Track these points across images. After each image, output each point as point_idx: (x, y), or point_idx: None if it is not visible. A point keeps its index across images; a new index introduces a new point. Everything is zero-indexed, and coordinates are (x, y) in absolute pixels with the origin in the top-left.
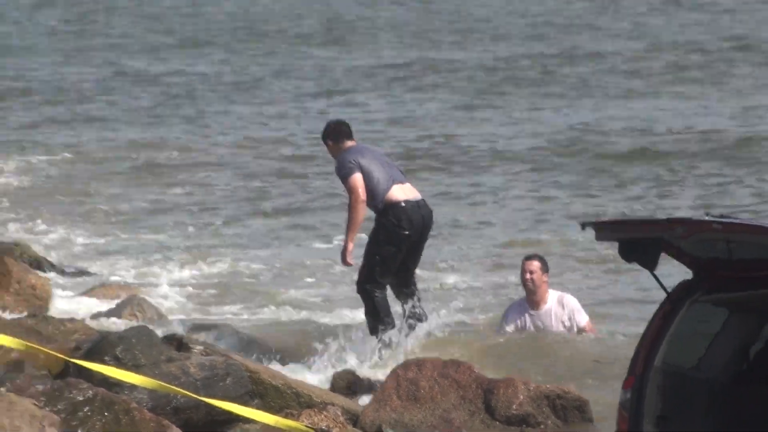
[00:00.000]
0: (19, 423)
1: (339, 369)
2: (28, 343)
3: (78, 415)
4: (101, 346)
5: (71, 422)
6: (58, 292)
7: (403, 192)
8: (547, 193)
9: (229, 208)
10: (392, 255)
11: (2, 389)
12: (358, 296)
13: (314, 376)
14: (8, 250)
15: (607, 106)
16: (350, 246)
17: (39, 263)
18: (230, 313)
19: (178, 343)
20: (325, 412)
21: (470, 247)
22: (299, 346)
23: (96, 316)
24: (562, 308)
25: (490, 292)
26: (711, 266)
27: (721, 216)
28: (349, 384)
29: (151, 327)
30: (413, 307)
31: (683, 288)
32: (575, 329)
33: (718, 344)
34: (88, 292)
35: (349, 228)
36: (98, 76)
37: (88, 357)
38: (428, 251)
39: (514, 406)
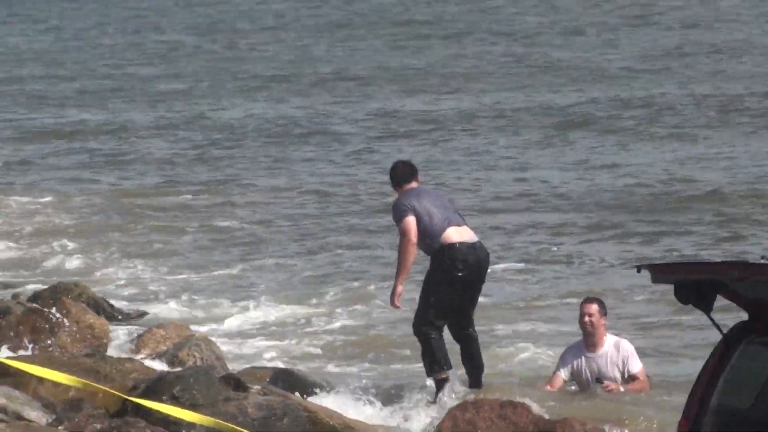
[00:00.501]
0: None
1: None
2: (85, 381)
3: None
4: (159, 386)
5: None
6: (116, 332)
7: (459, 234)
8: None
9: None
10: (447, 296)
11: (60, 427)
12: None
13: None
14: (67, 290)
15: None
16: (399, 289)
17: (97, 303)
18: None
19: (235, 383)
20: None
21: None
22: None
23: (154, 356)
24: (617, 352)
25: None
26: (766, 308)
27: None
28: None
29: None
30: (470, 349)
31: (739, 329)
32: (627, 374)
33: None
34: (148, 332)
35: (399, 271)
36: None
37: (145, 396)
38: None
39: None
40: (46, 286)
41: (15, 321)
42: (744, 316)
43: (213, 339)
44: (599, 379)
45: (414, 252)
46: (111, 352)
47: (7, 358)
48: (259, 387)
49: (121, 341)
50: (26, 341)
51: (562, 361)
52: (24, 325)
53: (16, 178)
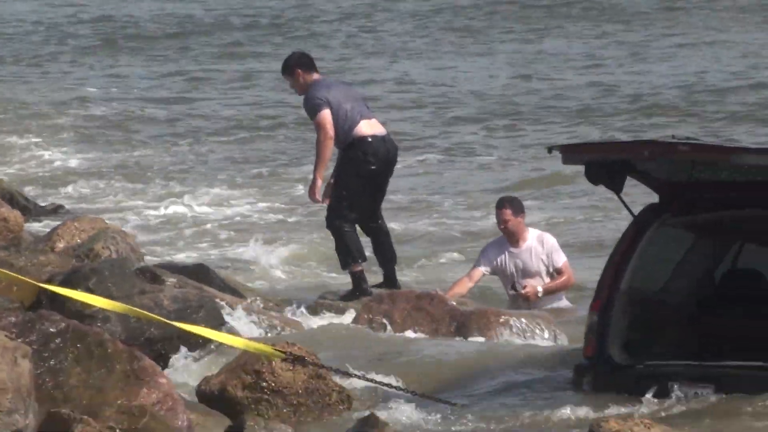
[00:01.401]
0: None
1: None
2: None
3: (50, 346)
4: (74, 278)
5: (43, 353)
6: (31, 225)
7: (370, 127)
8: None
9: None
10: (359, 189)
11: None
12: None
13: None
14: None
15: None
16: (318, 182)
17: (12, 196)
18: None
19: (151, 276)
20: (298, 345)
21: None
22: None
23: (69, 248)
24: (541, 246)
25: None
26: (676, 189)
27: (687, 138)
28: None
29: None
30: (380, 241)
31: (649, 211)
32: (552, 268)
33: (683, 268)
34: (62, 226)
35: (318, 164)
36: None
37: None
38: None
39: (485, 338)
40: None
41: None
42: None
43: (128, 231)
44: (514, 286)
45: (331, 145)
46: (25, 246)
47: None
48: (174, 280)
49: (36, 234)
50: None
51: (484, 255)
52: None
53: None
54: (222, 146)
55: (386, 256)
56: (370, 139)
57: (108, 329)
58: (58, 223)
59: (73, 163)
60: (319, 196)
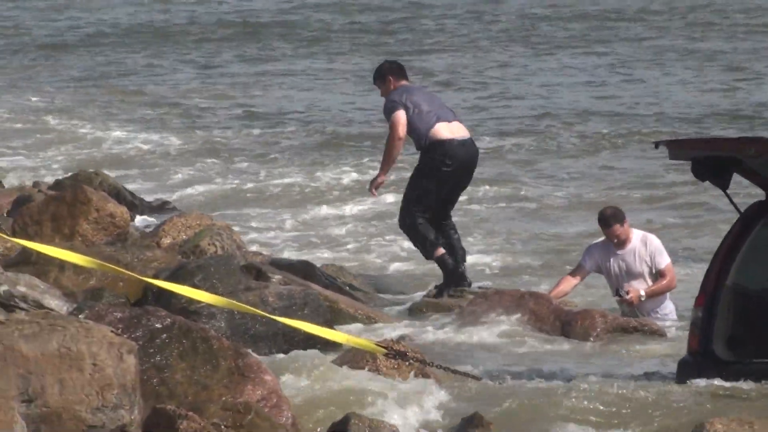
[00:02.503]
0: (96, 349)
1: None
2: (106, 264)
3: (156, 342)
4: (180, 275)
5: (149, 349)
6: (137, 221)
7: (449, 130)
8: None
9: None
10: (432, 190)
11: (80, 316)
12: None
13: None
14: (88, 178)
15: None
16: (381, 179)
17: (118, 192)
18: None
19: (256, 272)
20: (403, 342)
21: None
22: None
23: (175, 245)
24: (645, 247)
25: None
26: None
27: None
28: (429, 314)
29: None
30: (449, 240)
31: (756, 208)
32: (654, 269)
33: None
34: (168, 221)
35: (384, 162)
36: None
37: None
38: None
39: (591, 338)
40: (66, 175)
41: (36, 209)
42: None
43: (235, 228)
44: (618, 292)
45: (400, 146)
46: (131, 241)
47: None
48: (279, 276)
49: (142, 230)
50: (47, 230)
51: (589, 254)
52: (45, 213)
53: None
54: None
55: (457, 254)
56: (447, 142)
57: (213, 325)
58: (164, 218)
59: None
60: (376, 192)
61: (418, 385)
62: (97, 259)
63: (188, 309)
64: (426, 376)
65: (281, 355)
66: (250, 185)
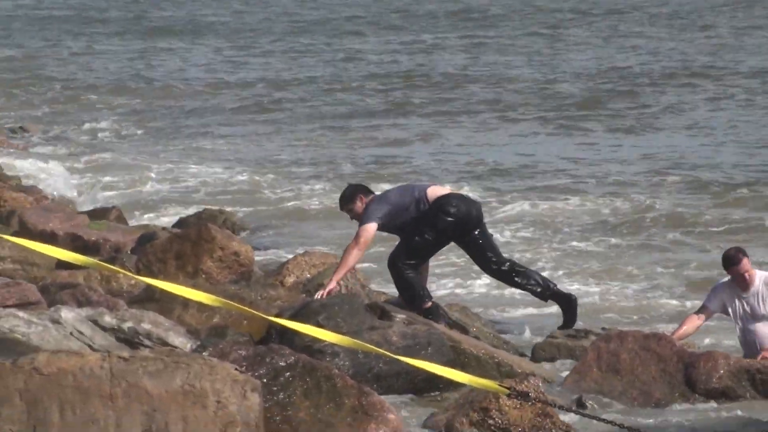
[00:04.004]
0: (220, 387)
1: (541, 340)
2: (230, 302)
3: (280, 380)
4: (304, 313)
5: (273, 387)
6: (262, 259)
7: (445, 189)
8: None
9: None
10: (431, 241)
11: (204, 353)
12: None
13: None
14: (212, 217)
15: None
16: (333, 286)
17: (242, 230)
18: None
19: (381, 312)
20: (526, 382)
21: None
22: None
23: (299, 283)
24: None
25: None
26: None
27: None
28: (551, 355)
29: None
30: (517, 281)
31: None
32: None
33: None
34: (292, 260)
35: (339, 270)
36: None
37: None
38: None
39: (714, 380)
40: (191, 213)
41: (160, 247)
42: None
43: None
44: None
45: (358, 258)
46: (255, 279)
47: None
48: (404, 316)
49: (266, 269)
50: (171, 267)
51: (715, 295)
52: (169, 251)
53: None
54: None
55: (534, 291)
56: (449, 195)
57: (336, 364)
58: (289, 256)
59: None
60: (323, 296)
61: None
62: (221, 297)
63: (312, 347)
64: (548, 416)
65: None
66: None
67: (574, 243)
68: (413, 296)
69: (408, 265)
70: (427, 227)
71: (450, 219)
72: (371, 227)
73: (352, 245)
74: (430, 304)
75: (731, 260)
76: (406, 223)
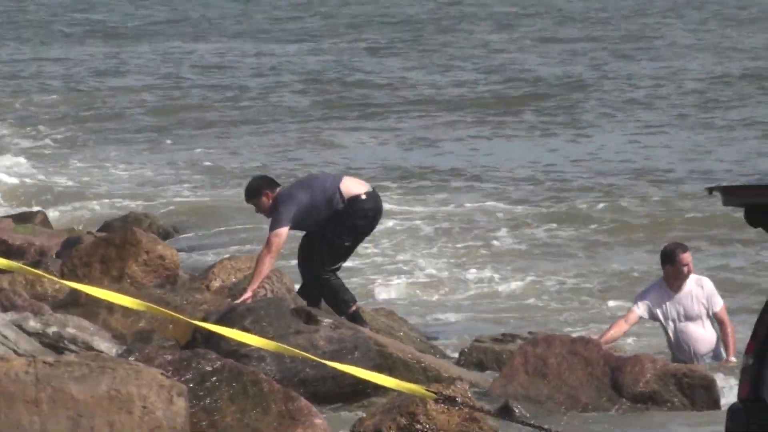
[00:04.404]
0: (146, 392)
1: (468, 344)
2: (155, 307)
3: (206, 385)
4: (230, 317)
5: (199, 392)
6: (186, 263)
7: (358, 184)
8: None
9: None
10: (349, 243)
11: (131, 358)
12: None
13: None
14: (137, 220)
15: None
16: (249, 295)
17: (167, 234)
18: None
19: (306, 316)
20: (453, 386)
21: None
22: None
23: (224, 287)
24: (701, 289)
25: None
26: None
27: None
28: (478, 360)
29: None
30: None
31: None
32: (711, 311)
33: None
34: (218, 264)
35: (255, 279)
36: None
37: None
38: None
39: (641, 384)
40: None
41: (85, 251)
42: None
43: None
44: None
45: (272, 265)
46: (180, 284)
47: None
48: (330, 320)
49: (191, 273)
50: (96, 272)
51: (642, 300)
52: (94, 255)
53: None
54: None
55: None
56: (363, 197)
57: (263, 369)
58: (214, 261)
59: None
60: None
61: None
62: (147, 301)
63: (238, 352)
64: (475, 420)
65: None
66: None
67: (496, 242)
68: (338, 301)
69: (331, 272)
70: (344, 229)
71: (367, 220)
72: (283, 232)
73: (265, 252)
74: (354, 307)
75: (670, 255)
76: (319, 221)
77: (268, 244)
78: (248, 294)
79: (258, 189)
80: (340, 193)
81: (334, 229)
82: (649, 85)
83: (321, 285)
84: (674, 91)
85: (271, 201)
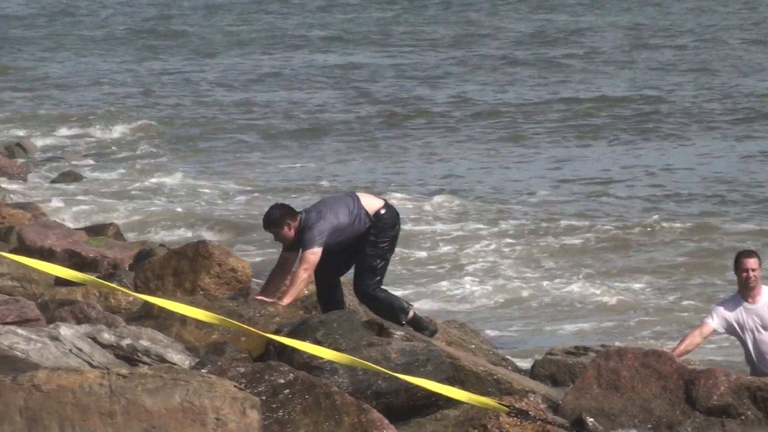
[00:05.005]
0: (219, 404)
1: (540, 357)
2: (229, 320)
3: (279, 397)
4: (302, 330)
5: (272, 404)
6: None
7: (375, 200)
8: None
9: None
10: (387, 258)
11: (204, 371)
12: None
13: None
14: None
15: None
16: (281, 308)
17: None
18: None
19: (379, 329)
20: (525, 399)
21: None
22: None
23: (297, 300)
24: None
25: None
26: None
27: None
28: (550, 372)
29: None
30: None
31: None
32: None
33: None
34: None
35: (290, 296)
36: None
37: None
38: None
39: (714, 397)
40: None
41: (158, 264)
42: None
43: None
44: None
45: (307, 282)
46: (253, 295)
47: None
48: (402, 333)
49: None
50: (169, 284)
51: (716, 311)
52: (167, 268)
53: None
54: None
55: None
56: (383, 210)
57: (335, 381)
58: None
59: None
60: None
61: None
62: (220, 313)
63: (311, 364)
64: None
65: None
66: None
67: (570, 253)
68: (395, 312)
69: (376, 286)
70: (380, 242)
71: (395, 229)
72: (319, 251)
73: (302, 270)
74: (412, 313)
75: (735, 261)
76: (348, 240)
77: (304, 261)
78: (281, 307)
79: (279, 219)
80: (366, 211)
81: (372, 245)
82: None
83: (371, 302)
84: None
85: (292, 230)
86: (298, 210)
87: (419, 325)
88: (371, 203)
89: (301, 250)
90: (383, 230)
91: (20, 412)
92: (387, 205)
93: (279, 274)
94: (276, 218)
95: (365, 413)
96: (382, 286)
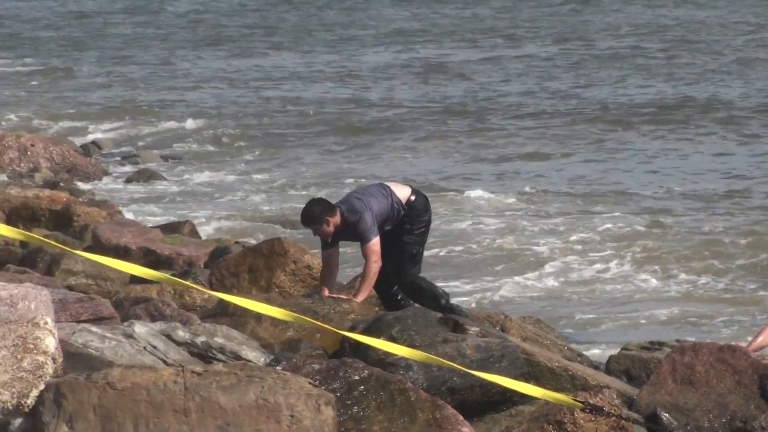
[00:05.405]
0: (294, 401)
1: (615, 352)
2: (303, 317)
3: (353, 394)
4: (377, 326)
5: (346, 401)
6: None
7: (404, 189)
8: None
9: None
10: (423, 244)
11: (278, 368)
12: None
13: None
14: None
15: None
16: (356, 305)
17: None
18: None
19: (454, 325)
20: (600, 395)
21: None
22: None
23: (372, 297)
24: None
25: None
26: None
27: None
28: (625, 368)
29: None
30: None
31: None
32: None
33: None
34: None
35: (364, 290)
36: None
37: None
38: None
39: None
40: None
41: (233, 261)
42: None
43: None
44: None
45: (378, 271)
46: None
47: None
48: (477, 329)
49: (339, 282)
50: (244, 282)
51: None
52: (242, 265)
53: None
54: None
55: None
56: (413, 197)
57: (410, 377)
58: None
59: None
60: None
61: None
62: (294, 311)
63: (385, 361)
64: (623, 429)
65: None
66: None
67: (644, 250)
68: (435, 298)
69: (415, 274)
70: (414, 230)
71: (428, 214)
72: (378, 241)
73: (372, 263)
74: (447, 299)
75: None
76: (384, 230)
77: (371, 253)
78: (360, 299)
79: (319, 215)
80: (398, 199)
81: (408, 233)
82: None
83: (412, 290)
84: None
85: (331, 226)
86: (334, 204)
87: (454, 310)
88: (401, 192)
89: (360, 245)
90: (417, 217)
91: (94, 410)
92: (416, 191)
93: (329, 276)
94: (316, 215)
95: (440, 409)
96: (419, 274)
